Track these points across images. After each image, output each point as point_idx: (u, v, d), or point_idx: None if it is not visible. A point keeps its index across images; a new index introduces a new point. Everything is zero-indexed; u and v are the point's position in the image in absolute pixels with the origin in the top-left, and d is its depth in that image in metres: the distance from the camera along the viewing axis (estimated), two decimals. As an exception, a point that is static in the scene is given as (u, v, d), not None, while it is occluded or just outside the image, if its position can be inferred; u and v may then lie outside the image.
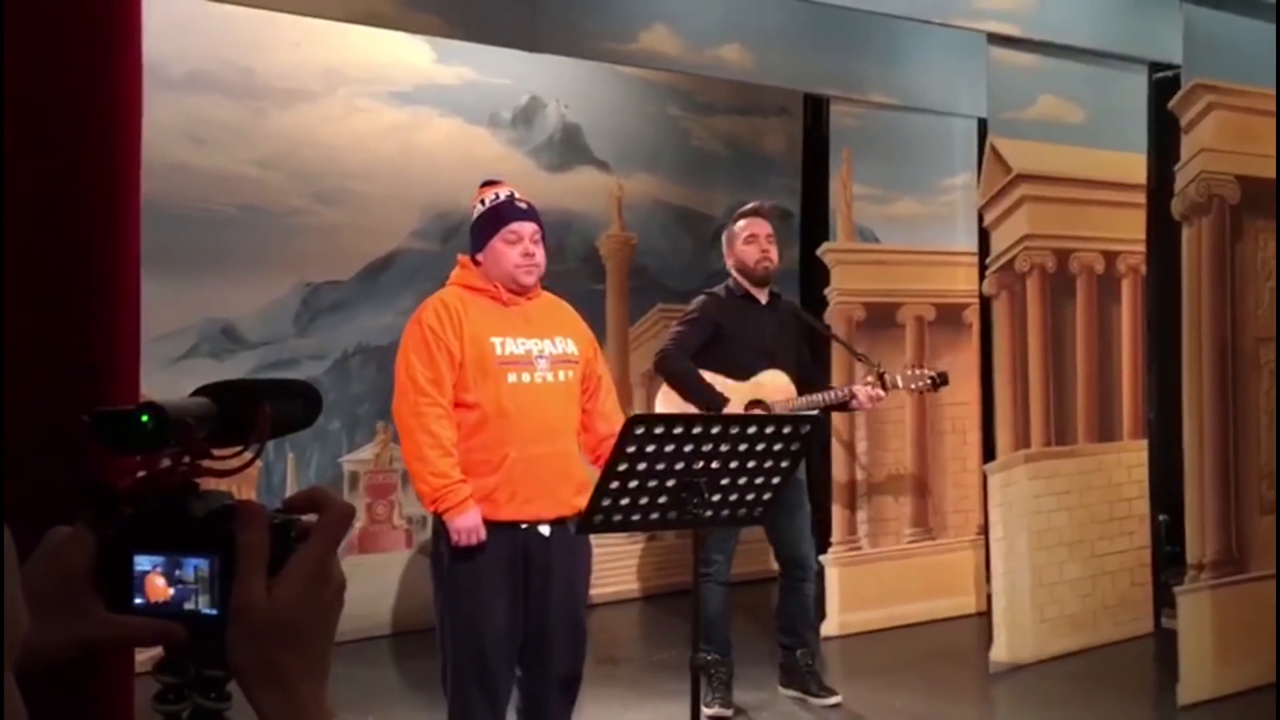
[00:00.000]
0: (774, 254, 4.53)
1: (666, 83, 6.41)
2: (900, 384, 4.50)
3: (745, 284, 4.50)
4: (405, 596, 5.50)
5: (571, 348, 3.30)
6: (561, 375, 3.24)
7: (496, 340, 3.18)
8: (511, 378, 3.17)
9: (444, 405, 3.14)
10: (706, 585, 4.46)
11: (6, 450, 1.49)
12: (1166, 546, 5.62)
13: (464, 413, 3.17)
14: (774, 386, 4.38)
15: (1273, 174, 4.71)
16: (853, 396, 4.41)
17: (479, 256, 3.29)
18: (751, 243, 4.48)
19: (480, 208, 3.33)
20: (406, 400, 3.16)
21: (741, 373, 4.37)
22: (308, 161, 5.44)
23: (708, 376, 4.30)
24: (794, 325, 4.60)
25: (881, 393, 4.43)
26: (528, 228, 3.26)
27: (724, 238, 4.64)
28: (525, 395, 3.17)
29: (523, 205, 3.31)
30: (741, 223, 4.55)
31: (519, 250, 3.23)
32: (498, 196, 3.33)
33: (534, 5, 4.75)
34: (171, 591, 0.81)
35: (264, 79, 5.34)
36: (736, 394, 4.30)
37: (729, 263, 4.58)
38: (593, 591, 5.66)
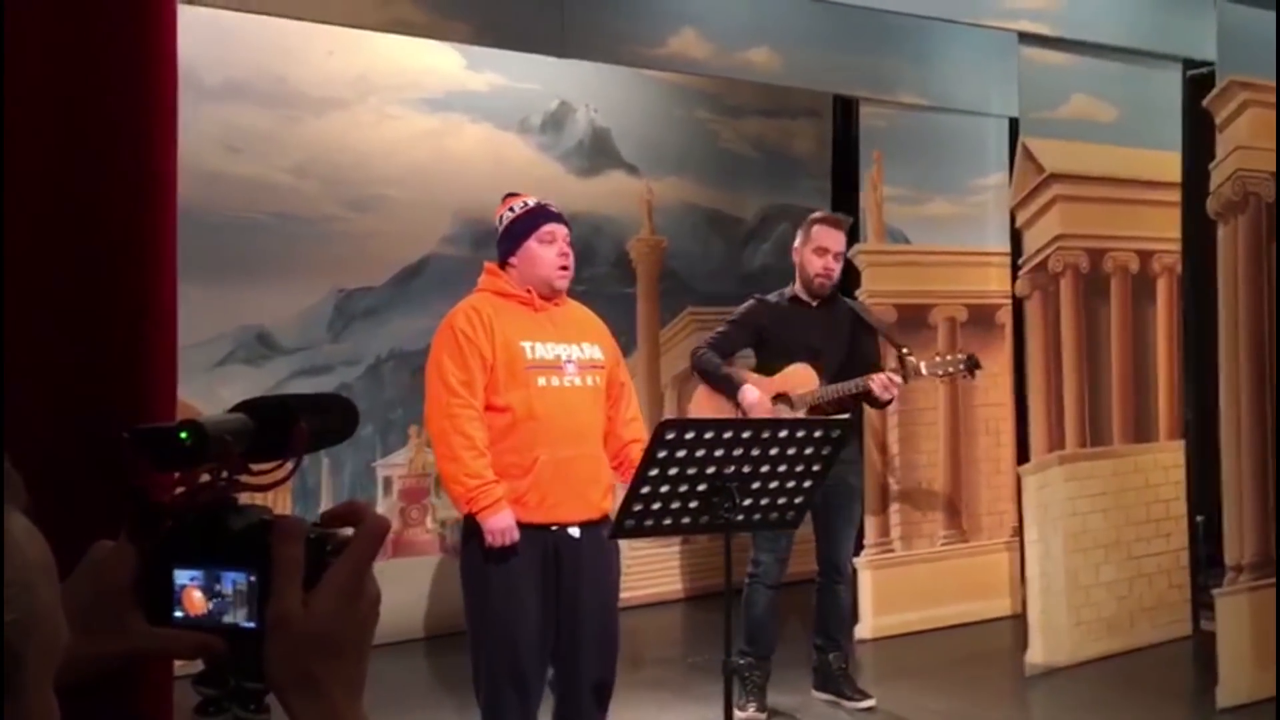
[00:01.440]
0: (836, 273, 4.45)
1: (695, 86, 6.41)
2: (925, 370, 4.27)
3: (799, 290, 4.50)
4: (437, 600, 5.52)
5: (598, 353, 3.32)
6: (589, 380, 3.27)
7: (526, 344, 3.20)
8: (541, 381, 3.19)
9: (476, 407, 3.15)
10: (753, 587, 4.47)
11: (45, 462, 1.52)
12: (1204, 548, 5.56)
13: (495, 416, 3.18)
14: (798, 380, 4.36)
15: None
16: (869, 387, 4.19)
17: (512, 260, 3.30)
18: (821, 255, 4.41)
19: (510, 214, 3.34)
20: (439, 402, 3.17)
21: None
22: (340, 168, 5.49)
23: (751, 376, 4.35)
24: (848, 323, 4.47)
25: (898, 379, 4.22)
26: (562, 229, 3.30)
27: (800, 231, 4.52)
28: (555, 399, 3.19)
29: (555, 210, 3.36)
30: (819, 229, 4.44)
31: (555, 250, 3.26)
32: (527, 204, 3.35)
33: (563, 11, 4.77)
34: (210, 605, 0.82)
35: (297, 87, 5.39)
36: (760, 385, 4.31)
37: (794, 259, 4.52)
38: (632, 593, 5.70)
